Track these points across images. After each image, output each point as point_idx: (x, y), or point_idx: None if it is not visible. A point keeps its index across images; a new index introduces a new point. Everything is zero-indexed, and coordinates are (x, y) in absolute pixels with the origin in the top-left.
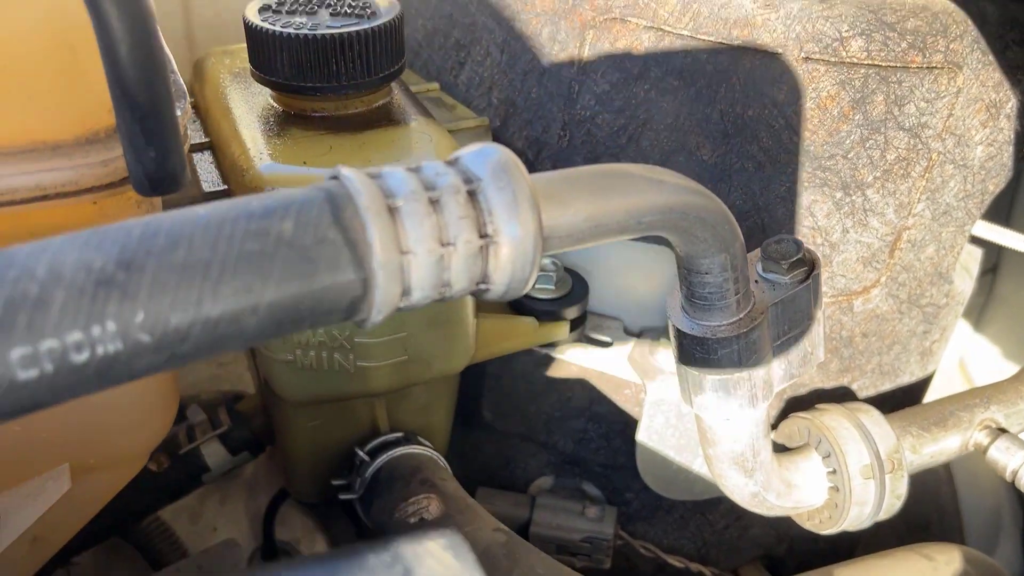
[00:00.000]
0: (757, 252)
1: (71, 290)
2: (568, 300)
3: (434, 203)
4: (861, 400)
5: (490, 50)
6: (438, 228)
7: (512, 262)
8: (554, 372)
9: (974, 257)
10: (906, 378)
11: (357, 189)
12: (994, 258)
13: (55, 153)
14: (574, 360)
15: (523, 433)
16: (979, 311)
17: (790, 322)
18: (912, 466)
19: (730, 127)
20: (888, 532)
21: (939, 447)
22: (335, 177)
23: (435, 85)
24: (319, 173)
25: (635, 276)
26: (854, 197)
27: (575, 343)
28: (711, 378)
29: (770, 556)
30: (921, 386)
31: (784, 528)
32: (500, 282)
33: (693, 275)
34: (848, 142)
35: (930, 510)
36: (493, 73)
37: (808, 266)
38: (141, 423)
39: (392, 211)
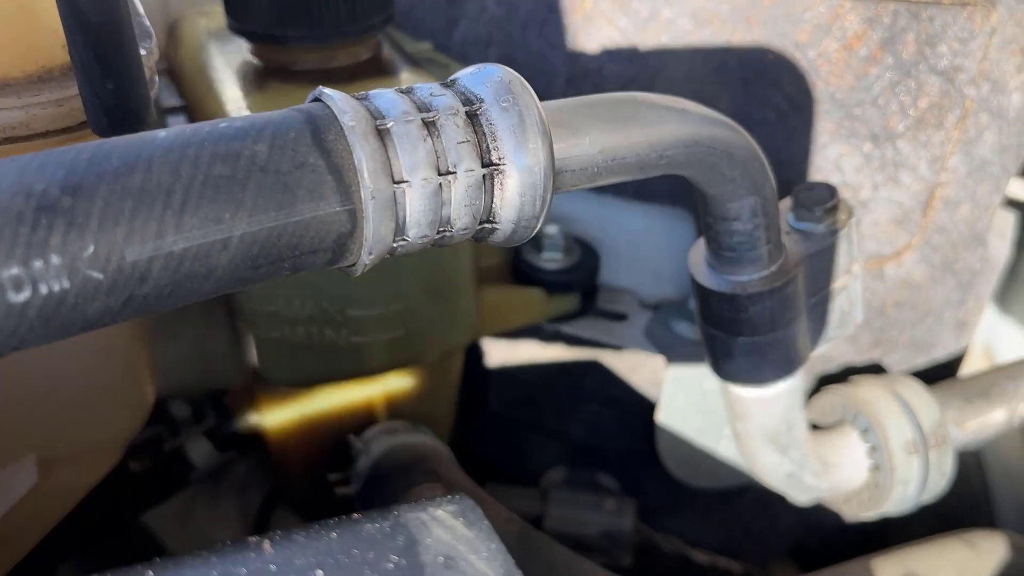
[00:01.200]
0: (787, 201)
1: (7, 217)
2: (578, 269)
3: (429, 125)
4: None
5: (486, 5)
6: (435, 154)
7: (520, 195)
8: (565, 353)
9: (1008, 221)
10: (940, 351)
11: (341, 109)
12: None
13: (3, 91)
14: (586, 335)
15: (533, 421)
16: (1001, 295)
17: (826, 276)
18: (957, 443)
19: (749, 73)
20: (917, 525)
21: (984, 421)
22: (317, 99)
23: (427, 44)
24: None
25: (648, 245)
26: (884, 149)
27: (587, 318)
28: (742, 341)
29: (801, 549)
30: (956, 360)
31: (815, 520)
32: (507, 219)
33: (720, 223)
34: (877, 87)
35: (960, 502)
36: (490, 28)
37: (845, 213)
38: (115, 410)
39: (382, 134)
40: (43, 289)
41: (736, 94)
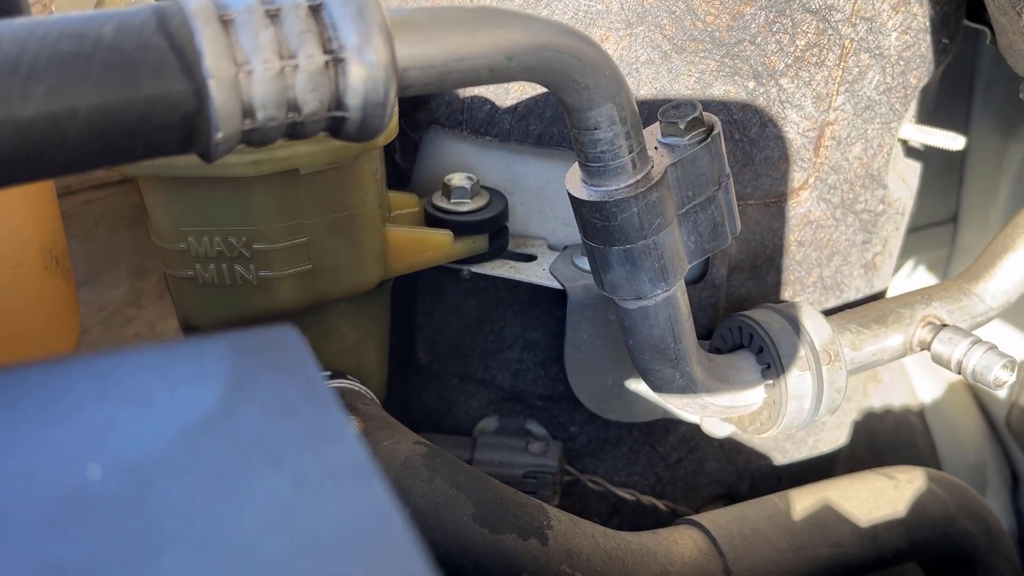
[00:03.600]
0: (657, 124)
1: None
2: (485, 211)
3: (272, 17)
4: None
5: None
6: (277, 41)
7: (363, 81)
8: (484, 299)
9: (912, 169)
10: (851, 293)
11: (187, 1)
12: (953, 208)
13: None
14: (497, 273)
15: (461, 372)
16: (945, 263)
17: (694, 187)
18: (853, 363)
19: (631, 15)
20: None
21: (880, 345)
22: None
23: None
24: None
25: (556, 193)
26: (768, 87)
27: (497, 260)
28: (616, 250)
29: (731, 496)
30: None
31: (743, 463)
32: (354, 107)
33: (583, 133)
34: (754, 26)
35: (907, 462)
36: None
37: (707, 127)
38: (32, 346)
39: (225, 23)
40: None
41: (621, 37)
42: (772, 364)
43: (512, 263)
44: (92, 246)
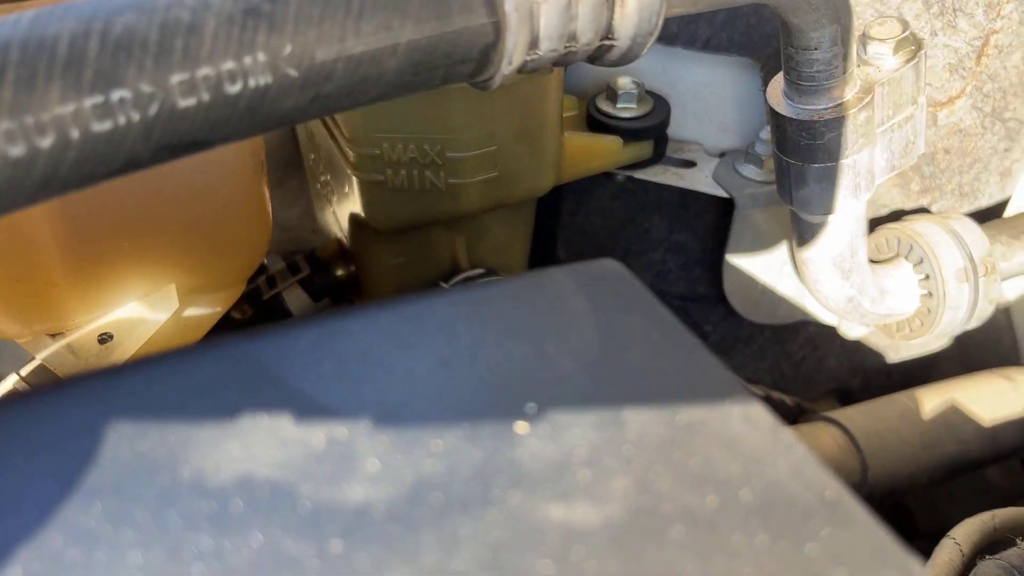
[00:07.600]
0: (859, 35)
1: (220, 18)
2: (651, 117)
3: None
4: None
5: None
6: None
7: (639, 11)
8: (631, 202)
9: None
10: (985, 200)
11: None
12: None
13: None
14: (658, 180)
15: None
16: None
17: (894, 106)
18: (1003, 273)
19: None
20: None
21: None
22: None
23: None
24: None
25: (714, 96)
26: None
27: (657, 166)
28: (816, 167)
29: (844, 389)
30: (999, 209)
31: (858, 360)
32: (625, 35)
33: (800, 53)
34: None
35: (990, 357)
36: None
37: (914, 45)
38: (239, 244)
39: None
40: (251, 83)
41: None
42: (932, 275)
43: (673, 169)
44: None
